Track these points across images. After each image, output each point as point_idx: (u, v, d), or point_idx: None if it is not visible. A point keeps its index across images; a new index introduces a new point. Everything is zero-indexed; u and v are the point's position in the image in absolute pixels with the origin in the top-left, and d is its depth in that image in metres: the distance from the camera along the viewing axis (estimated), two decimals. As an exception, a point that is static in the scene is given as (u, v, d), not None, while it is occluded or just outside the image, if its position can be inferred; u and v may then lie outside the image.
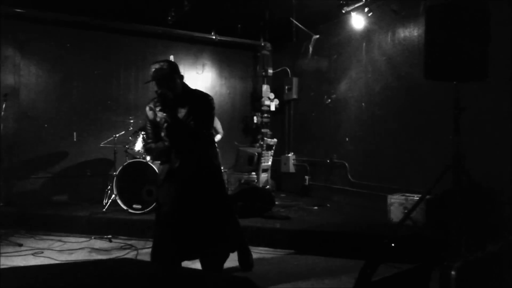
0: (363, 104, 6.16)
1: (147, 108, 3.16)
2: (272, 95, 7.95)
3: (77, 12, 6.40)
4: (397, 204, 4.85)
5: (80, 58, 6.81)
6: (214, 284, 1.48)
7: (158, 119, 3.06)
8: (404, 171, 5.38)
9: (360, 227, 4.81)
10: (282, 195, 7.26)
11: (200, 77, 7.99)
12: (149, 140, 3.20)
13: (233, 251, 3.51)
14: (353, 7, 5.83)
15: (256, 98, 8.20)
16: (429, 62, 3.53)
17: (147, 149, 3.34)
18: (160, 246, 3.07)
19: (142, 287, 1.42)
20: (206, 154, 3.21)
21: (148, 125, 3.17)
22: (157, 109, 3.05)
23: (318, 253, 4.26)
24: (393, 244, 3.55)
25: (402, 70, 5.50)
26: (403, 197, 4.85)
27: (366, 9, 5.46)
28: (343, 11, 5.97)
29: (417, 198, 4.65)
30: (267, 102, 7.91)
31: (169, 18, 6.35)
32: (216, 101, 6.73)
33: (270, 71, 8.04)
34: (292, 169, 7.57)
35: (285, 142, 7.86)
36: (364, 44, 6.13)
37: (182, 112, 3.02)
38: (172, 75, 3.00)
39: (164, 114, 2.95)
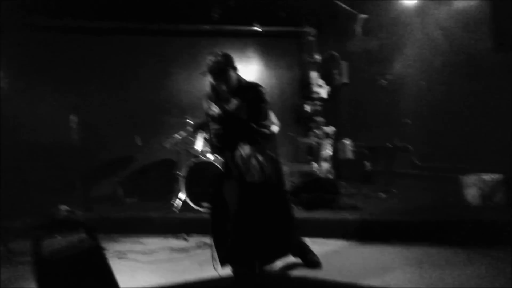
0: (423, 82, 5.93)
1: (204, 103, 3.15)
2: (321, 82, 7.83)
3: (129, 18, 6.60)
4: (472, 185, 4.67)
5: (133, 63, 7.05)
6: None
7: (211, 112, 3.05)
8: (475, 151, 5.14)
9: (437, 212, 4.66)
10: (342, 182, 7.18)
11: (247, 69, 8.00)
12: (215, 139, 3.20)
13: (293, 254, 3.45)
14: (405, -18, 5.58)
15: (305, 86, 8.10)
16: (499, 32, 3.30)
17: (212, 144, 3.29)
18: (239, 247, 3.07)
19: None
20: (264, 147, 3.14)
21: (209, 118, 3.15)
22: (210, 102, 3.05)
23: (395, 243, 4.16)
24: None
25: (462, 44, 5.23)
26: (478, 177, 4.66)
27: (420, -17, 5.20)
28: (394, -12, 5.73)
29: (493, 178, 4.48)
30: (317, 89, 7.79)
31: (214, 14, 6.38)
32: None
33: (317, 57, 7.91)
34: (350, 155, 7.44)
35: (340, 128, 7.73)
36: (417, 19, 5.87)
37: (235, 105, 3.02)
38: (227, 67, 3.02)
39: (213, 110, 2.98)
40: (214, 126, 3.12)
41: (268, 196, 3.08)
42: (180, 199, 5.77)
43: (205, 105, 3.13)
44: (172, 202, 5.87)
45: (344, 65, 7.46)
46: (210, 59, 3.00)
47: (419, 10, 5.78)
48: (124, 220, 5.72)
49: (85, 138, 5.85)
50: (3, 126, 6.15)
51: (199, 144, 5.94)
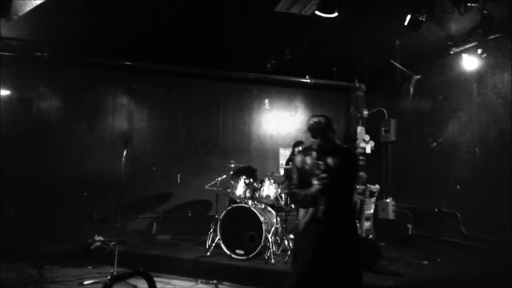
0: (476, 149, 5.69)
1: (298, 158, 3.29)
2: (367, 137, 7.72)
3: (182, 63, 6.89)
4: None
5: (184, 105, 7.30)
6: None
7: (307, 167, 3.18)
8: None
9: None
10: (382, 244, 6.82)
11: (294, 119, 8.06)
12: (293, 186, 3.31)
13: None
14: (463, 48, 5.53)
15: (349, 140, 8.01)
16: None
17: (292, 193, 3.37)
18: None
19: None
20: (349, 208, 3.28)
21: (295, 171, 3.29)
22: (308, 158, 3.19)
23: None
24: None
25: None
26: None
27: (479, 50, 5.12)
28: (451, 52, 5.69)
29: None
30: (362, 144, 7.68)
31: (268, 65, 6.55)
32: (308, 143, 6.78)
33: (365, 112, 7.87)
34: (391, 216, 7.15)
35: (383, 186, 7.49)
36: (475, 85, 5.74)
37: (334, 163, 3.12)
38: (328, 128, 3.16)
39: (321, 163, 3.05)
40: (299, 178, 3.26)
41: (341, 258, 3.12)
42: (214, 243, 5.67)
43: (297, 159, 3.28)
44: (207, 246, 5.78)
45: (392, 122, 7.35)
46: (312, 120, 3.19)
47: (478, 77, 5.65)
48: (156, 258, 5.67)
49: (131, 173, 6.02)
50: (54, 154, 6.43)
51: (240, 188, 5.91)
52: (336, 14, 3.60)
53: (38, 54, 6.02)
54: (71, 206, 6.31)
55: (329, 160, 3.07)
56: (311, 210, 3.15)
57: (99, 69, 6.77)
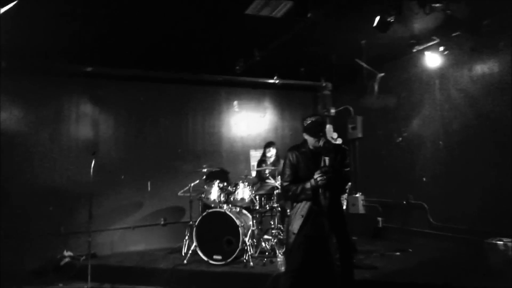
0: (440, 142, 5.95)
1: (292, 155, 3.45)
2: (335, 135, 7.81)
3: (149, 67, 6.71)
4: (496, 250, 4.53)
5: (152, 110, 7.09)
6: None
7: (302, 164, 3.38)
8: (496, 213, 5.04)
9: (459, 277, 4.49)
10: (354, 238, 7.00)
11: (263, 120, 8.08)
12: (286, 182, 3.46)
13: None
14: (425, 45, 5.75)
15: (318, 138, 8.12)
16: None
17: (286, 188, 3.47)
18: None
19: None
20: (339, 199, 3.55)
21: (289, 167, 3.45)
22: (302, 155, 3.41)
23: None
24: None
25: (483, 108, 5.30)
26: (503, 242, 4.53)
27: (441, 48, 5.35)
28: (414, 50, 5.90)
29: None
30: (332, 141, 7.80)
31: (237, 67, 6.50)
32: (278, 143, 6.85)
33: (332, 110, 8.00)
34: (362, 210, 7.33)
35: (352, 182, 7.66)
36: (437, 81, 5.99)
37: (333, 158, 3.31)
38: (324, 126, 3.41)
39: (327, 158, 3.22)
40: (293, 174, 3.42)
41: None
42: (190, 250, 5.58)
43: (292, 157, 3.43)
44: (183, 253, 5.68)
45: (359, 119, 7.53)
46: (310, 119, 3.38)
47: (439, 74, 5.90)
48: (130, 269, 5.50)
49: (99, 183, 5.74)
50: (16, 167, 6.07)
51: (214, 193, 5.83)
52: (308, 15, 3.63)
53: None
54: (37, 221, 5.96)
55: (332, 156, 3.23)
56: (307, 205, 3.27)
57: (61, 76, 6.42)
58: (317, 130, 3.29)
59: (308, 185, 3.25)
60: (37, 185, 6.12)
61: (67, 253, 5.91)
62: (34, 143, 6.23)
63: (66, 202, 6.20)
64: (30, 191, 6.03)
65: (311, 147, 3.38)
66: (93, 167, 5.00)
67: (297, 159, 3.40)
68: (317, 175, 3.18)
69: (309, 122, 3.36)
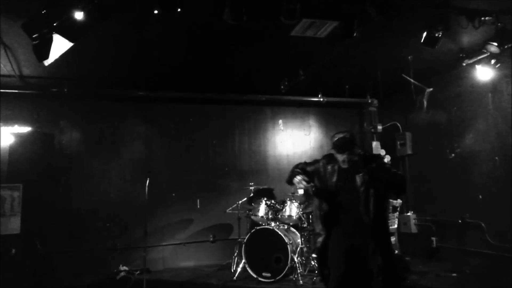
0: (496, 158, 5.69)
1: (323, 161, 3.42)
2: (383, 152, 7.70)
3: (197, 89, 7.01)
4: None
5: (201, 130, 7.38)
6: None
7: (327, 175, 3.31)
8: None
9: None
10: (406, 258, 6.76)
11: (308, 138, 8.11)
12: (297, 168, 3.52)
13: None
14: (475, 59, 5.60)
15: (372, 157, 8.00)
16: None
17: (292, 169, 3.58)
18: None
19: None
20: (384, 215, 3.45)
21: (311, 166, 3.46)
22: (329, 166, 3.34)
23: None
24: None
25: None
26: None
27: (493, 61, 5.19)
28: (464, 64, 5.76)
29: None
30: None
31: (282, 87, 6.64)
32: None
33: (379, 127, 7.90)
34: (414, 229, 7.09)
35: (403, 200, 7.45)
36: (490, 94, 5.78)
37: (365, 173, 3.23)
38: (353, 143, 3.30)
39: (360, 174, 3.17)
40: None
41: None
42: (240, 267, 5.65)
43: (320, 165, 3.39)
44: (232, 270, 5.76)
45: (408, 136, 7.37)
46: (338, 136, 3.32)
47: (492, 86, 5.70)
48: (182, 284, 5.66)
49: (151, 201, 5.99)
50: (76, 186, 6.52)
51: (262, 210, 5.92)
52: (354, 35, 3.70)
53: (57, 90, 6.18)
54: (95, 238, 6.35)
55: (365, 171, 3.15)
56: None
57: (115, 101, 6.91)
58: (345, 148, 3.22)
59: (296, 178, 3.31)
60: (95, 203, 6.53)
61: (122, 268, 6.18)
62: (92, 164, 6.67)
63: (121, 220, 6.54)
64: (88, 209, 6.45)
65: (341, 165, 3.28)
66: (148, 185, 5.29)
67: (324, 167, 3.34)
68: (299, 177, 3.28)
69: (336, 139, 3.30)
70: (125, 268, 6.22)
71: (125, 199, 6.65)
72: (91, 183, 6.61)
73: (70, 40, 3.47)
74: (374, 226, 3.15)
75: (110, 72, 6.12)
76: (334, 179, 3.26)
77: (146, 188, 5.26)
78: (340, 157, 3.25)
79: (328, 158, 3.39)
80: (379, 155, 3.54)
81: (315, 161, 3.46)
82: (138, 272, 5.95)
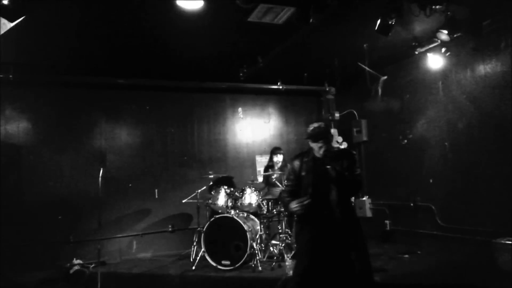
0: (446, 143, 5.95)
1: (296, 162, 3.43)
2: (340, 139, 7.88)
3: (154, 76, 6.81)
4: (505, 250, 4.50)
5: (158, 118, 7.18)
6: None
7: (304, 173, 3.32)
8: (503, 213, 5.00)
9: (467, 277, 4.48)
10: (362, 241, 6.98)
11: (268, 126, 8.12)
12: (287, 188, 3.48)
13: None
14: (427, 47, 5.79)
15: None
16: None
17: (282, 197, 3.57)
18: None
19: None
20: (351, 206, 3.52)
21: (292, 175, 3.44)
22: (304, 164, 3.35)
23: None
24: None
25: (487, 107, 5.31)
26: (511, 242, 4.51)
27: (443, 49, 5.39)
28: (416, 52, 5.94)
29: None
30: (336, 146, 7.83)
31: (241, 74, 6.58)
32: (283, 148, 6.90)
33: (337, 114, 8.05)
34: (369, 213, 7.33)
35: (359, 185, 7.67)
36: (440, 82, 6.01)
37: (340, 164, 3.25)
38: (327, 131, 3.36)
39: (328, 167, 3.17)
40: (295, 183, 3.39)
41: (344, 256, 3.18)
42: (199, 256, 5.60)
43: (295, 165, 3.40)
44: (191, 259, 5.70)
45: (363, 123, 7.55)
46: (312, 126, 3.36)
47: (442, 74, 5.93)
48: (139, 276, 5.53)
49: (107, 191, 5.81)
50: (25, 177, 6.17)
51: (221, 199, 5.88)
52: (311, 21, 3.69)
53: (2, 76, 5.77)
54: (46, 231, 6.05)
55: (338, 164, 3.17)
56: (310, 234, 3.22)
57: (67, 88, 6.55)
58: (320, 137, 3.24)
59: (291, 206, 3.23)
60: (46, 195, 6.22)
61: (76, 261, 5.95)
62: (42, 154, 6.33)
63: (75, 211, 6.28)
64: (38, 201, 6.14)
65: (316, 154, 3.31)
66: (101, 176, 5.09)
67: (300, 167, 3.36)
68: (294, 205, 3.18)
69: (311, 128, 3.34)
70: (79, 261, 5.99)
71: (78, 190, 6.37)
72: (42, 174, 6.27)
73: (9, 20, 3.21)
74: (343, 218, 3.17)
75: (61, 59, 5.78)
76: (309, 172, 3.30)
77: (100, 179, 5.06)
78: (315, 146, 3.28)
79: (301, 156, 3.43)
80: (352, 153, 3.53)
81: (291, 171, 3.45)
82: (93, 265, 5.76)
